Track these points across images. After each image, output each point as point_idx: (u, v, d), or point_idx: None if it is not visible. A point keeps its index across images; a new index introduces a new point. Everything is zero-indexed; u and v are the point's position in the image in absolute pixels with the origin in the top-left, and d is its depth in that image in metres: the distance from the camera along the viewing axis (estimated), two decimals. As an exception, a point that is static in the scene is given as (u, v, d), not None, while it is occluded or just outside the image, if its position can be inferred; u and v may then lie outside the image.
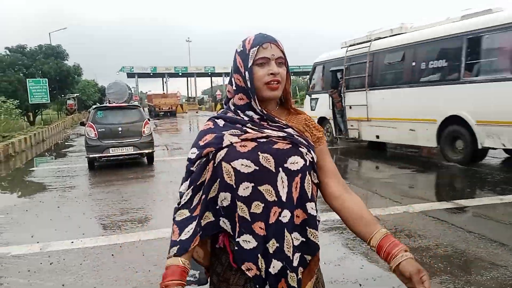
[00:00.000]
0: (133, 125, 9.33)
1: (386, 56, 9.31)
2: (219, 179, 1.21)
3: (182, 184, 1.29)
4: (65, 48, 31.70)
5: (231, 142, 1.22)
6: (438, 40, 8.07)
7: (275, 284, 1.20)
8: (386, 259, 1.19)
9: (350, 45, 10.59)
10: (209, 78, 60.08)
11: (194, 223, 1.22)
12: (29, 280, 3.48)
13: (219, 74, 53.25)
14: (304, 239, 1.24)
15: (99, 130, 9.00)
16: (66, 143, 16.66)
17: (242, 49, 1.26)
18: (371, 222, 1.25)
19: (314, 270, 1.27)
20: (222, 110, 1.37)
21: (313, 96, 12.28)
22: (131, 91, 24.10)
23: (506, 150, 8.05)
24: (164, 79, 56.54)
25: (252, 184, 1.19)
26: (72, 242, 4.34)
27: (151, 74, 54.12)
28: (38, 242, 4.37)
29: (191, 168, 1.27)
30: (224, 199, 1.22)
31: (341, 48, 10.98)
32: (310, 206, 1.24)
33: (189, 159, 1.29)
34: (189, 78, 59.74)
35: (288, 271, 1.19)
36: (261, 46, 1.23)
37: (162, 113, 37.12)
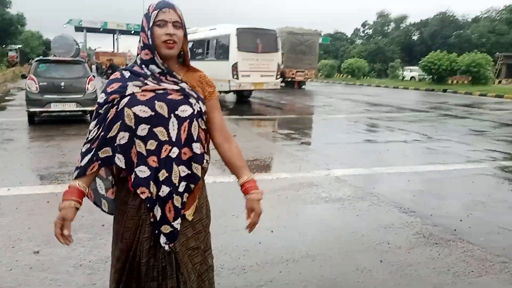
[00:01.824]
0: (76, 81, 9.22)
1: (190, 43, 19.24)
2: (120, 121, 1.51)
3: (91, 122, 1.58)
4: (7, -5, 29.60)
5: (133, 91, 1.52)
6: (200, 40, 16.60)
7: (163, 204, 1.54)
8: (244, 194, 1.68)
9: None
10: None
11: (92, 153, 1.55)
12: (-36, 221, 3.67)
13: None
14: (190, 172, 1.58)
15: (40, 83, 8.83)
16: (6, 97, 15.98)
17: (147, 12, 1.55)
18: (240, 168, 1.70)
19: (196, 195, 1.65)
20: (130, 64, 1.66)
21: None
22: (78, 46, 23.12)
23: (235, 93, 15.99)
24: (115, 36, 54.15)
25: (149, 126, 1.51)
26: (9, 189, 4.52)
27: (101, 29, 51.59)
28: (-27, 189, 4.51)
29: (100, 111, 1.56)
30: (122, 137, 1.52)
31: None
32: (195, 146, 1.58)
33: (98, 103, 1.57)
34: (142, 38, 57.57)
35: (174, 195, 1.54)
36: (161, 10, 1.51)
37: (109, 71, 36.19)
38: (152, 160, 1.53)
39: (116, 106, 1.52)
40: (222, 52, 14.88)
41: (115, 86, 1.55)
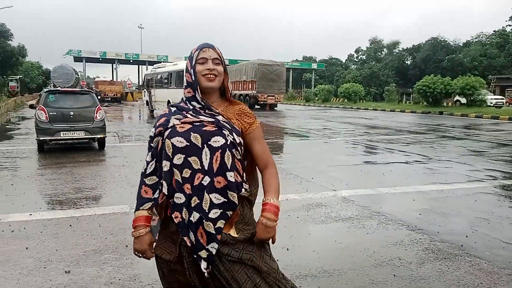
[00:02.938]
0: (85, 110, 9.50)
1: (160, 75, 23.35)
2: (163, 151, 1.70)
3: (147, 155, 1.76)
4: (9, 28, 30.21)
5: (173, 124, 1.70)
6: (168, 71, 22.22)
7: (195, 230, 1.63)
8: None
9: (152, 69, 26.24)
10: (162, 67, 59.40)
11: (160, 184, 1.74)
12: (-7, 245, 3.82)
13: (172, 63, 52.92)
14: (226, 200, 1.65)
15: (50, 113, 9.09)
16: (11, 126, 16.22)
17: (190, 54, 1.79)
18: (267, 192, 1.76)
19: (234, 220, 1.70)
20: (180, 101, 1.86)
21: (145, 91, 26.63)
22: (78, 75, 23.79)
23: None
24: (114, 65, 55.04)
25: (184, 156, 1.64)
26: (31, 214, 4.69)
27: (100, 59, 52.59)
28: (-4, 214, 4.67)
29: (151, 144, 1.74)
30: (165, 165, 1.68)
31: (152, 69, 26.65)
32: (229, 174, 1.65)
33: (150, 136, 1.75)
34: (140, 66, 58.57)
35: (204, 220, 1.62)
36: (201, 50, 1.73)
37: (107, 99, 38.07)
38: (187, 188, 1.64)
39: (161, 138, 1.71)
40: (180, 81, 19.39)
41: (162, 120, 1.73)
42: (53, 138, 9.13)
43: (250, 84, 30.04)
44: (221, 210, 1.65)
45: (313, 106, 38.23)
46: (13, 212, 4.77)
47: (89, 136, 9.49)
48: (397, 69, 57.88)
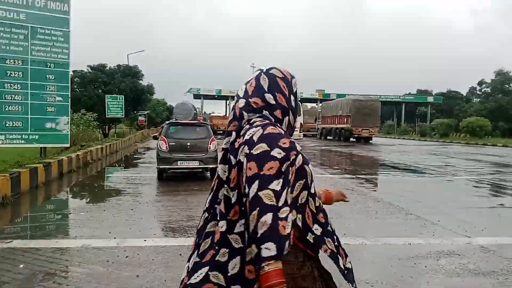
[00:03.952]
0: (200, 141, 9.88)
1: None
2: (304, 180, 1.41)
3: (272, 182, 1.26)
4: (140, 69, 33.96)
5: (300, 148, 1.44)
6: None
7: (337, 255, 1.50)
8: None
9: None
10: (272, 102, 61.34)
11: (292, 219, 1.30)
12: (108, 269, 3.89)
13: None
14: None
15: (170, 143, 9.64)
16: (137, 155, 17.81)
17: (282, 75, 1.54)
18: None
19: None
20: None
21: None
22: (196, 111, 25.93)
23: None
24: (228, 101, 58.41)
25: (314, 183, 1.49)
26: (145, 240, 4.77)
27: (216, 96, 56.31)
28: (115, 238, 4.84)
29: (282, 169, 1.30)
30: (303, 197, 1.42)
31: None
32: None
33: (276, 158, 1.30)
34: (252, 102, 61.30)
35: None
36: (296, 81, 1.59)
37: (219, 131, 41.39)
38: (321, 217, 1.50)
39: (294, 164, 1.38)
40: None
41: (287, 142, 1.36)
42: (172, 166, 9.63)
43: (345, 119, 33.14)
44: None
45: (429, 141, 35.47)
46: (130, 237, 4.92)
47: (203, 166, 9.80)
48: (529, 102, 51.16)
